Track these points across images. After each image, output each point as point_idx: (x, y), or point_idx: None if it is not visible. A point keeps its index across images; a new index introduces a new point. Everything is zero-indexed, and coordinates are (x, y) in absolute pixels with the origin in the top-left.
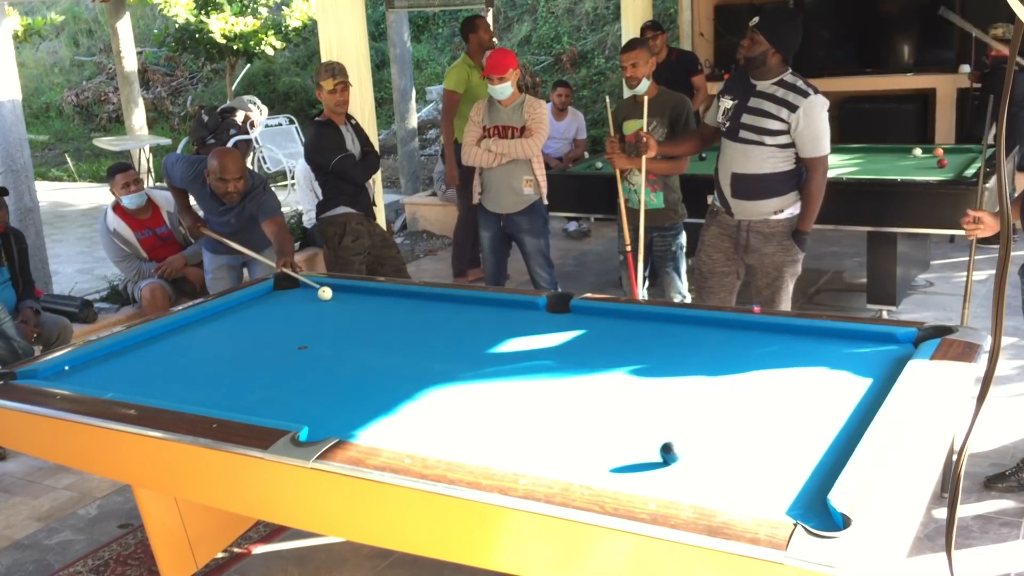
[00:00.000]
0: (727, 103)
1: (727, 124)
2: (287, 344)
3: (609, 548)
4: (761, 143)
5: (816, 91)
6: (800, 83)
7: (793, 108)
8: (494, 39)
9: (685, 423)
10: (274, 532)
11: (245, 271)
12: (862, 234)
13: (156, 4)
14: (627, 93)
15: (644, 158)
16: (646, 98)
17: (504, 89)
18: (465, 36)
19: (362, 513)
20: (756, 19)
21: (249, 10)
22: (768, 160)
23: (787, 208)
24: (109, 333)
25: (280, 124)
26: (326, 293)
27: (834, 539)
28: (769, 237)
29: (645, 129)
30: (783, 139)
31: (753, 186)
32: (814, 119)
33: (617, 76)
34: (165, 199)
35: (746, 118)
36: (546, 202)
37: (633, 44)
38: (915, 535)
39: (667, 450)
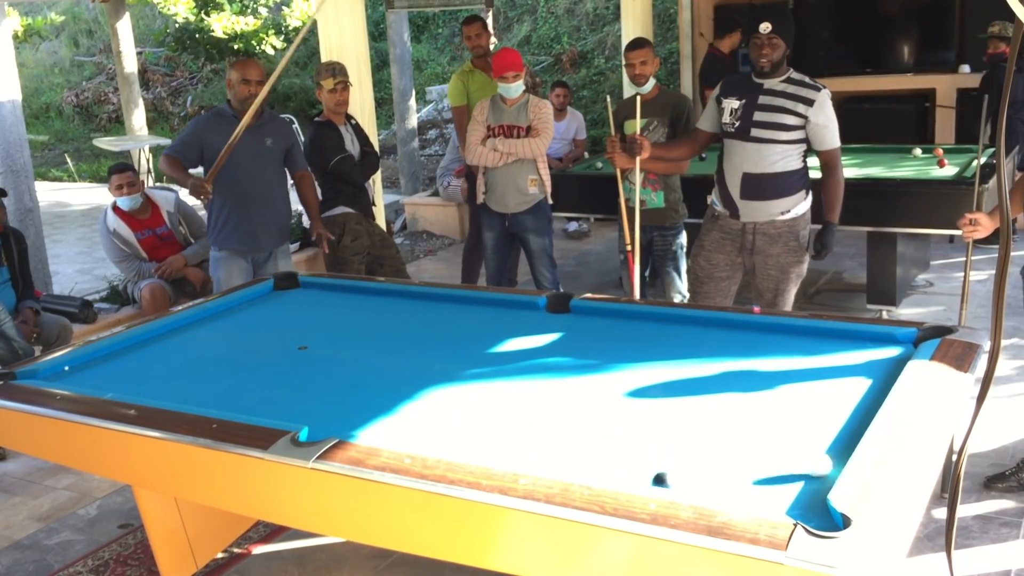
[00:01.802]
0: (733, 104)
1: (736, 124)
2: (287, 344)
3: (609, 548)
4: (775, 140)
5: (822, 84)
6: (807, 78)
7: (809, 102)
8: (491, 44)
9: (685, 423)
10: (274, 532)
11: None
12: (862, 234)
13: (156, 3)
14: (627, 93)
15: (638, 159)
16: (638, 98)
17: (518, 87)
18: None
19: (362, 513)
20: (768, 24)
21: (249, 10)
22: (781, 159)
23: (793, 208)
24: (109, 333)
25: None
26: (824, 467)
27: (834, 539)
28: (775, 238)
29: (637, 130)
30: (797, 134)
31: (765, 186)
32: (829, 111)
33: (617, 76)
34: (164, 199)
35: (759, 116)
36: (551, 201)
37: (641, 43)
38: (915, 535)
39: (660, 481)
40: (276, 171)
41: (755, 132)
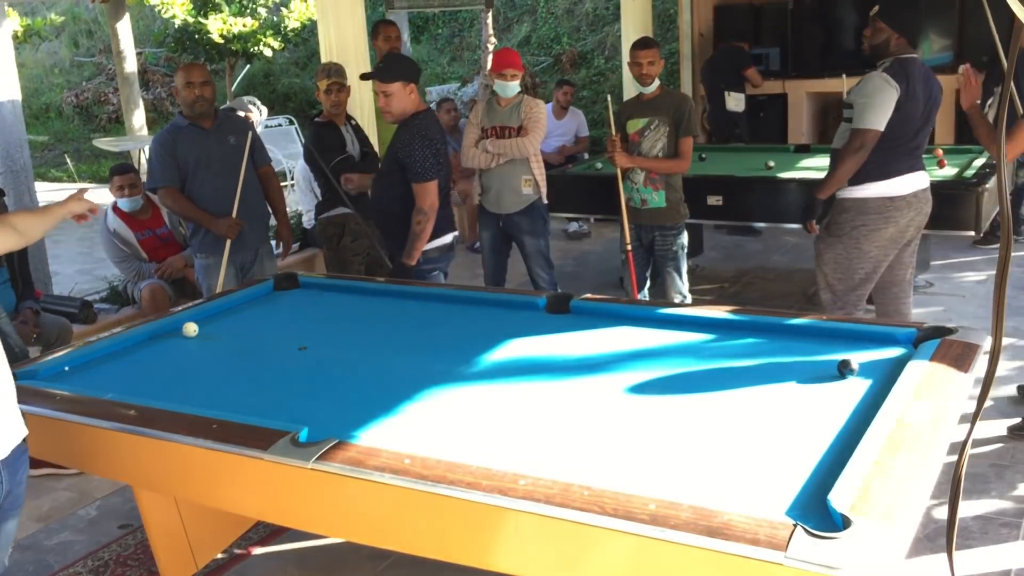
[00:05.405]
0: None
1: None
2: (287, 344)
3: (609, 548)
4: (844, 119)
5: (899, 72)
6: (892, 63)
7: (858, 83)
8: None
9: (685, 423)
10: (274, 533)
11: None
12: None
13: (155, 5)
14: (628, 93)
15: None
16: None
17: (514, 87)
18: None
19: (362, 514)
20: (876, 8)
21: (248, 11)
22: (843, 136)
23: (849, 187)
24: (109, 334)
25: (280, 125)
26: (190, 330)
27: (834, 540)
28: (846, 212)
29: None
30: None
31: (832, 161)
32: (867, 91)
33: (617, 76)
34: None
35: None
36: (546, 202)
37: (649, 42)
38: (915, 535)
39: (845, 366)
40: (247, 166)
41: (845, 112)
